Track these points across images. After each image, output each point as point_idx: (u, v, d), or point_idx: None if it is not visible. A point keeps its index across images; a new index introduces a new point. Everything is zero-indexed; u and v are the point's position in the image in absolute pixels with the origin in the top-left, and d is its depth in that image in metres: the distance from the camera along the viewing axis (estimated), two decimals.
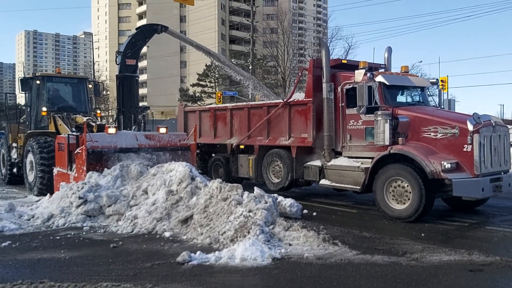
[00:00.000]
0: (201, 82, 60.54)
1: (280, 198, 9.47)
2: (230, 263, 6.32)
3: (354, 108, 10.40)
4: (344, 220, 9.51)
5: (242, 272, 6.03)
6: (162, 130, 12.01)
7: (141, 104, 13.21)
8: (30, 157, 13.35)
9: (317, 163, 11.28)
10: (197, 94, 60.29)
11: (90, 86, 15.93)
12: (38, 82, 14.60)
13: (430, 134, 9.37)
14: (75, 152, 10.70)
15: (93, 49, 64.01)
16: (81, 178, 10.19)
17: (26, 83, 14.69)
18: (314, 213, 9.90)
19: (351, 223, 9.17)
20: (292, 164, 11.86)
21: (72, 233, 8.27)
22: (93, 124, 12.77)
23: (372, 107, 9.97)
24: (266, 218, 7.74)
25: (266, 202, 8.24)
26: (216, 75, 60.39)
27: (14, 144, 15.32)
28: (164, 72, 70.84)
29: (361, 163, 10.21)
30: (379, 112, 9.74)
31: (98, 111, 16.62)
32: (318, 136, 11.26)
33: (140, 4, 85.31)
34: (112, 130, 10.98)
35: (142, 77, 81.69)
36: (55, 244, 7.54)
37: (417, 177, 8.87)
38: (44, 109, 14.06)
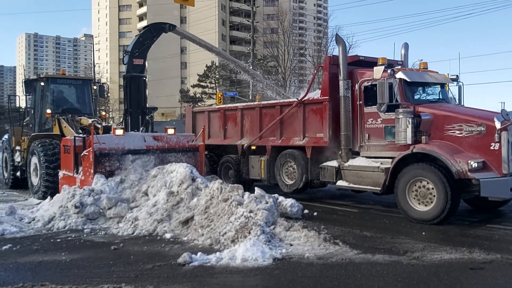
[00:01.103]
0: (201, 83, 60.62)
1: (280, 198, 9.46)
2: (231, 263, 6.32)
3: (373, 106, 10.05)
4: (344, 220, 9.51)
5: (243, 272, 6.03)
6: (170, 131, 11.78)
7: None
8: (34, 160, 13.17)
9: (334, 163, 10.88)
10: (198, 95, 60.31)
11: (95, 87, 15.76)
12: (42, 83, 14.38)
13: (454, 132, 9.01)
14: (82, 154, 10.50)
15: (93, 51, 64.09)
16: (88, 181, 10.04)
17: (30, 85, 14.55)
18: (315, 213, 9.89)
19: (352, 223, 9.16)
20: (307, 165, 11.48)
21: (73, 236, 8.28)
22: (99, 126, 12.57)
23: (393, 104, 9.61)
24: (267, 219, 7.74)
25: (266, 203, 8.24)
26: (217, 76, 60.44)
27: (18, 147, 15.09)
28: (164, 73, 70.84)
29: (381, 163, 9.84)
30: (400, 110, 9.38)
31: (103, 113, 16.41)
32: (334, 136, 10.90)
33: (141, 5, 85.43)
34: (119, 132, 10.73)
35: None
36: (56, 247, 7.54)
37: (442, 177, 8.51)
38: (49, 111, 13.83)
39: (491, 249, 6.86)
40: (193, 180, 9.38)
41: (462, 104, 11.12)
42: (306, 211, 9.78)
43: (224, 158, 14.03)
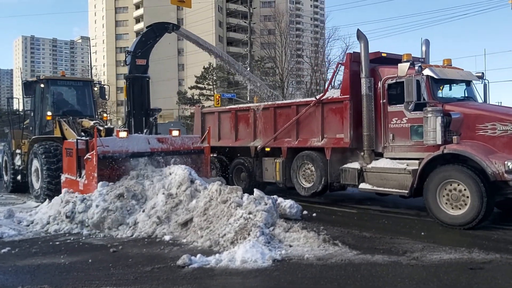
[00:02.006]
0: (199, 85, 60.51)
1: (280, 199, 9.45)
2: (231, 265, 6.31)
3: (398, 105, 9.72)
4: (344, 221, 9.50)
5: (243, 274, 6.02)
6: (175, 133, 11.59)
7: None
8: (35, 163, 12.98)
9: (355, 165, 10.47)
10: (195, 97, 60.25)
11: (96, 88, 15.56)
12: (42, 85, 14.14)
13: (487, 132, 8.59)
14: (85, 158, 10.28)
15: (90, 53, 63.84)
16: (91, 185, 9.84)
17: (29, 87, 14.36)
18: (314, 214, 9.88)
19: (351, 223, 9.15)
20: (326, 167, 10.99)
21: (72, 238, 8.26)
22: (101, 128, 12.25)
23: (419, 103, 9.17)
24: (266, 220, 7.73)
25: (266, 204, 8.23)
26: (214, 78, 60.39)
27: (18, 151, 14.89)
28: (161, 75, 70.72)
29: (407, 165, 9.42)
30: (429, 109, 8.92)
31: (105, 115, 16.01)
32: (356, 136, 10.45)
33: (137, 7, 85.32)
34: (123, 134, 10.51)
35: None
36: (55, 250, 7.52)
37: (477, 179, 8.06)
38: (49, 113, 13.58)
39: (490, 249, 6.87)
40: (192, 182, 9.37)
41: (488, 102, 10.69)
42: (305, 212, 9.78)
43: (235, 161, 13.65)
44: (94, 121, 13.14)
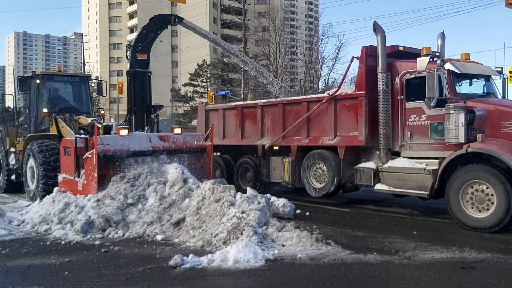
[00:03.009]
0: (192, 82, 60.35)
1: (273, 198, 9.42)
2: (223, 265, 6.29)
3: (416, 101, 9.33)
4: (337, 220, 9.50)
5: (235, 274, 6.01)
6: (177, 130, 11.20)
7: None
8: (31, 162, 12.44)
9: (371, 165, 10.02)
10: (189, 94, 60.12)
11: (93, 84, 15.15)
12: (38, 81, 13.59)
13: None
14: (84, 156, 9.88)
15: (83, 50, 63.67)
16: (91, 185, 9.53)
17: (24, 82, 13.82)
18: (307, 213, 9.87)
19: (344, 222, 9.16)
20: (339, 167, 10.52)
21: (62, 238, 8.18)
22: (100, 125, 11.68)
23: (440, 99, 8.74)
24: (259, 219, 7.71)
25: (259, 203, 8.20)
26: (208, 75, 60.27)
27: (12, 149, 14.36)
28: (155, 72, 70.33)
29: (426, 165, 9.04)
30: (451, 105, 8.51)
31: (102, 111, 15.60)
32: (371, 134, 9.99)
33: (131, 3, 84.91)
34: (124, 132, 10.07)
35: None
36: (46, 250, 7.46)
37: (504, 180, 7.70)
38: (45, 110, 13.12)
39: (481, 248, 6.90)
40: (185, 181, 9.31)
41: (506, 98, 10.35)
42: (298, 211, 9.75)
43: (241, 160, 13.20)
44: (92, 118, 12.76)
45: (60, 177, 10.77)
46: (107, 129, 11.78)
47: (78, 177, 10.12)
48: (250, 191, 8.63)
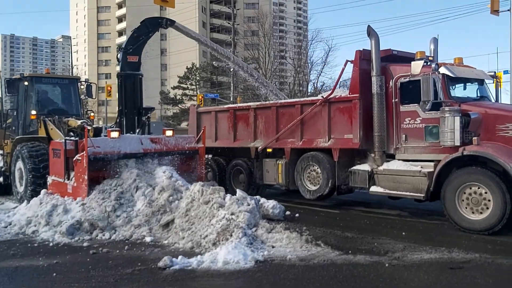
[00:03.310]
0: (182, 85, 60.28)
1: (262, 200, 9.42)
2: (213, 267, 6.28)
3: (410, 105, 9.38)
4: (326, 221, 9.52)
5: (225, 276, 5.99)
6: (169, 133, 11.09)
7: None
8: (19, 165, 12.26)
9: (366, 167, 10.04)
10: (178, 97, 59.99)
11: (82, 87, 14.84)
12: (26, 83, 13.41)
13: (508, 133, 8.27)
14: (74, 159, 9.73)
15: (71, 53, 63.09)
16: (81, 188, 9.37)
17: (12, 84, 13.55)
18: (297, 214, 9.88)
19: (334, 224, 9.18)
20: (334, 169, 10.55)
21: (50, 240, 8.08)
22: (89, 127, 11.54)
23: (437, 102, 8.82)
24: (248, 221, 7.72)
25: (248, 204, 8.21)
26: (197, 78, 60.24)
27: (0, 152, 14.25)
28: (144, 75, 70.27)
29: (422, 167, 9.08)
30: (446, 108, 8.56)
31: (92, 114, 15.32)
32: (365, 137, 10.05)
33: (120, 7, 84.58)
34: (114, 134, 9.92)
35: None
36: (33, 252, 7.37)
37: (500, 182, 7.76)
38: (33, 112, 12.86)
39: (469, 249, 6.96)
40: (175, 189, 9.18)
41: (499, 101, 10.44)
42: (288, 212, 9.76)
43: (233, 162, 13.15)
44: (82, 121, 12.61)
45: (50, 179, 10.63)
46: (97, 132, 11.63)
47: (68, 179, 9.98)
48: (239, 192, 8.63)
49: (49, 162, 11.11)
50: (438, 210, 10.07)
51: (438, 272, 5.93)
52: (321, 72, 44.07)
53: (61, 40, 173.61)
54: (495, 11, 19.32)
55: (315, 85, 43.42)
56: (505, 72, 26.77)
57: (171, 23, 12.38)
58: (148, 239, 7.87)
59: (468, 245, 7.26)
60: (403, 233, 8.15)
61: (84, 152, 9.32)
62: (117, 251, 7.30)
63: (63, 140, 10.50)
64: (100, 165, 9.60)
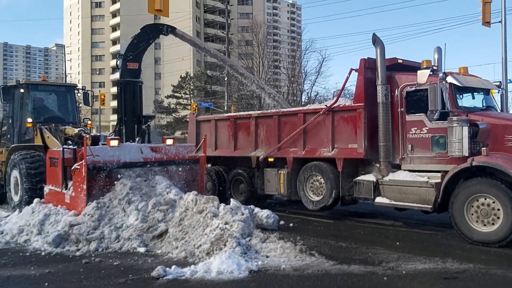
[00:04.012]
0: (176, 94, 60.28)
1: (256, 209, 9.39)
2: (206, 277, 6.23)
3: (417, 114, 9.30)
4: (320, 231, 9.51)
5: (219, 286, 5.95)
6: (169, 141, 10.81)
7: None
8: (15, 173, 12.01)
9: (371, 177, 9.88)
10: (172, 106, 59.96)
11: (79, 94, 14.69)
12: (22, 90, 13.15)
13: None
14: (73, 168, 9.41)
15: (65, 61, 62.98)
16: (79, 197, 9.08)
17: (8, 92, 13.43)
18: (291, 224, 9.86)
19: (328, 233, 9.17)
20: (337, 179, 10.38)
21: (42, 249, 8.01)
22: (87, 135, 11.23)
23: (443, 112, 8.74)
24: (242, 230, 7.69)
25: (242, 214, 8.18)
26: (191, 87, 60.27)
27: None
28: None
29: (428, 178, 8.94)
30: (454, 118, 8.46)
31: (89, 122, 15.07)
32: (370, 147, 9.90)
33: (114, 16, 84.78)
34: (114, 143, 9.62)
35: (116, 90, 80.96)
36: (25, 261, 7.29)
37: (510, 193, 7.65)
38: (29, 120, 12.64)
39: (463, 259, 6.97)
40: (167, 193, 9.17)
41: (505, 111, 10.40)
42: (282, 222, 9.72)
43: (234, 172, 12.95)
44: (79, 129, 12.43)
45: (46, 188, 10.37)
46: (95, 140, 11.37)
47: (66, 189, 9.71)
48: (233, 202, 8.59)
49: (45, 171, 10.88)
50: (432, 220, 10.14)
51: (433, 282, 5.93)
52: (315, 82, 44.28)
53: (54, 48, 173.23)
54: (486, 23, 19.54)
55: (309, 95, 43.59)
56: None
57: (172, 30, 12.20)
58: (141, 249, 7.74)
59: (462, 255, 7.27)
60: (397, 243, 8.15)
61: (83, 161, 9.03)
62: (110, 260, 7.23)
63: (61, 149, 10.26)
64: (99, 174, 9.27)
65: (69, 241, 8.22)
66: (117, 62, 11.58)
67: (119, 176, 9.48)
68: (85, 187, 8.97)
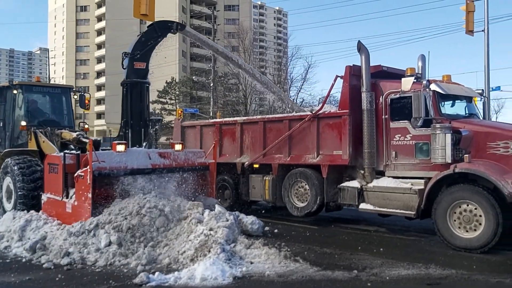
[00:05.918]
0: (161, 99, 60.00)
1: (241, 215, 9.36)
2: (190, 283, 6.20)
3: (401, 121, 9.40)
4: (305, 237, 9.52)
5: None
6: (178, 146, 10.31)
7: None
8: (7, 181, 11.28)
9: (355, 184, 9.95)
10: (157, 111, 59.63)
11: (75, 96, 13.89)
12: (14, 92, 12.38)
13: (499, 150, 8.23)
14: (76, 175, 8.80)
15: (49, 65, 62.52)
16: (83, 207, 8.47)
17: (0, 93, 12.80)
18: (276, 230, 9.83)
19: (312, 239, 9.18)
20: (322, 186, 10.42)
21: (23, 256, 7.87)
22: (86, 140, 10.57)
23: (428, 119, 8.81)
24: (227, 236, 7.66)
25: (227, 220, 8.16)
26: (177, 92, 60.07)
27: None
28: (119, 89, 69.75)
29: (412, 184, 9.03)
30: (437, 125, 8.57)
31: (86, 125, 14.18)
32: (355, 153, 9.96)
33: (99, 20, 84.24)
34: (120, 148, 8.99)
35: (100, 94, 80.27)
36: (5, 268, 7.16)
37: (492, 200, 7.73)
38: (23, 123, 11.84)
39: (446, 265, 7.03)
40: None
41: (487, 119, 10.32)
42: (266, 228, 9.70)
43: (218, 177, 12.37)
44: (77, 133, 11.65)
45: (44, 197, 9.79)
46: (96, 145, 10.47)
47: (67, 197, 9.11)
48: (218, 208, 8.56)
49: (41, 177, 10.38)
50: (415, 226, 10.21)
51: None
52: (301, 88, 44.50)
53: (38, 52, 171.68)
54: (470, 32, 19.85)
55: (295, 101, 43.71)
56: (495, 89, 27.67)
57: (181, 27, 11.63)
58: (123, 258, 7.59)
59: (445, 261, 7.33)
60: (381, 249, 8.19)
61: (88, 167, 8.40)
62: (92, 267, 7.12)
63: (62, 154, 9.63)
64: (104, 182, 8.71)
65: (46, 248, 7.92)
66: (123, 61, 10.91)
67: (130, 183, 8.94)
68: (90, 195, 8.37)
